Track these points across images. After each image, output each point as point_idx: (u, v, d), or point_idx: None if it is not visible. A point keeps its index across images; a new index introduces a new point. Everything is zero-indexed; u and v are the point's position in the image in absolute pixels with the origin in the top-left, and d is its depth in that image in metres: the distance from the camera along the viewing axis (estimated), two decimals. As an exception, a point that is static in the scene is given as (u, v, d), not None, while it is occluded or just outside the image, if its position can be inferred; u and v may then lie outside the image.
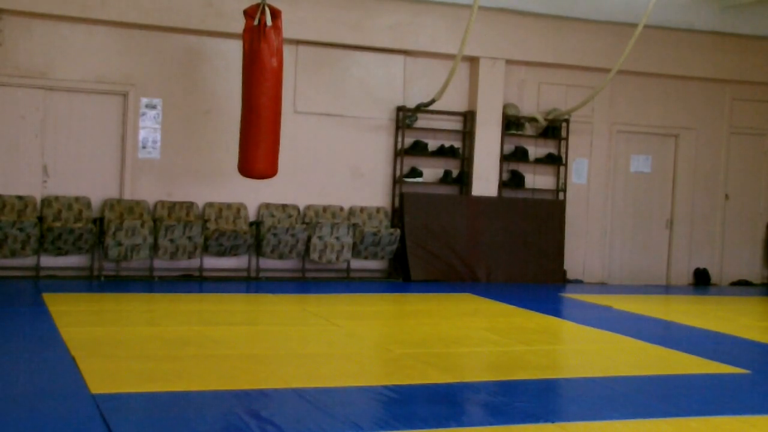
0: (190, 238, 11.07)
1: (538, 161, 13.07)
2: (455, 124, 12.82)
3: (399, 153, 12.44)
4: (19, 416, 4.97)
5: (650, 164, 13.87)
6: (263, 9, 10.08)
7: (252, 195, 11.78)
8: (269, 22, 10.11)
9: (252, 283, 11.54)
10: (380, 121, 12.41)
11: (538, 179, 13.16)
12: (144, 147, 11.40)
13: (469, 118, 12.75)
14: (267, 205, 11.88)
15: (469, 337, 8.29)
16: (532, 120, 12.93)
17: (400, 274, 12.34)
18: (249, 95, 10.24)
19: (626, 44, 11.42)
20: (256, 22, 10.07)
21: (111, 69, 11.26)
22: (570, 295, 11.86)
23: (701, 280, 13.99)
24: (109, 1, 10.99)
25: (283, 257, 11.65)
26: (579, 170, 13.40)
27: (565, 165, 13.16)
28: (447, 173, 12.61)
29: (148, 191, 11.42)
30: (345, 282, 12.04)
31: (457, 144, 12.75)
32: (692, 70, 13.66)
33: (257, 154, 10.29)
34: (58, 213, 10.96)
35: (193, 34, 11.53)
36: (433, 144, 12.61)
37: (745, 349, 8.45)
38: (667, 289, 13.63)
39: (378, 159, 12.43)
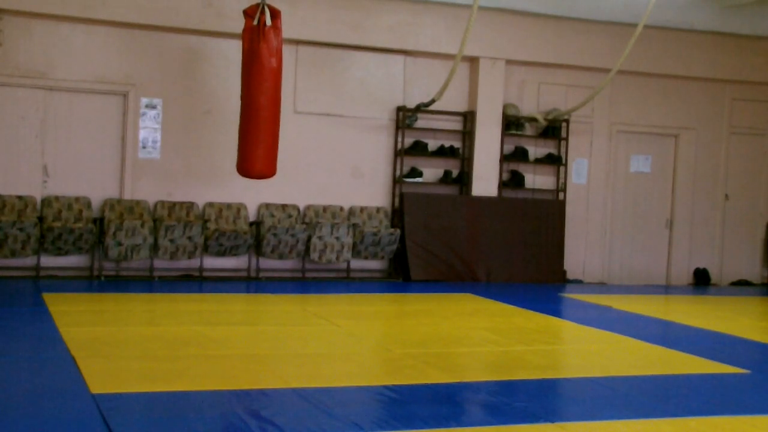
0: (190, 238, 11.07)
1: (538, 161, 13.07)
2: (455, 124, 12.82)
3: (399, 153, 12.44)
4: (19, 416, 4.97)
5: (650, 164, 13.87)
6: (263, 9, 10.08)
7: (252, 195, 11.78)
8: (269, 22, 10.12)
9: (252, 283, 11.54)
10: (380, 121, 12.41)
11: (538, 179, 13.16)
12: (144, 147, 11.40)
13: (469, 118, 12.75)
14: (267, 205, 11.88)
15: (469, 337, 8.29)
16: (532, 120, 12.93)
17: (400, 274, 12.34)
18: (248, 95, 10.25)
19: (626, 44, 11.42)
20: (255, 22, 10.08)
21: (111, 69, 11.26)
22: (570, 295, 11.86)
23: (701, 280, 13.99)
24: (109, 1, 10.99)
25: (283, 257, 11.65)
26: (579, 170, 13.40)
27: (565, 165, 13.16)
28: (447, 173, 12.61)
29: (148, 191, 11.42)
30: (345, 282, 12.04)
31: (457, 144, 12.75)
32: (692, 70, 13.67)
33: (256, 154, 10.30)
34: (58, 213, 10.96)
35: (193, 34, 11.53)
36: (433, 144, 12.61)
37: (745, 349, 8.45)
38: (667, 289, 13.63)
39: (378, 159, 12.43)
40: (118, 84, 11.30)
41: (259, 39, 10.04)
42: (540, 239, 12.90)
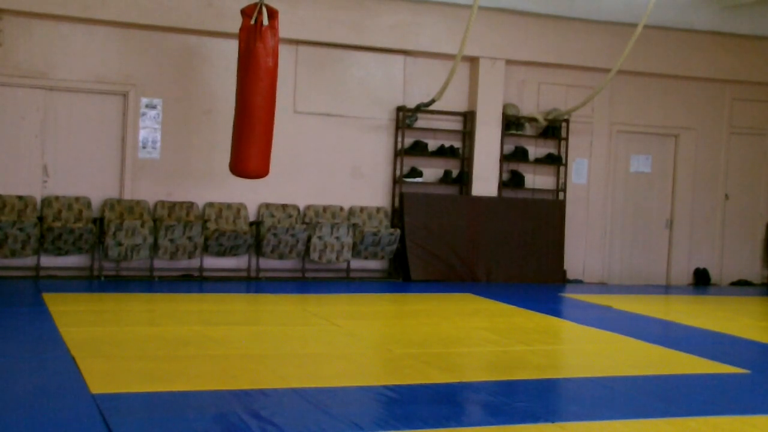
0: (190, 238, 11.07)
1: (538, 161, 13.07)
2: (455, 124, 12.82)
3: (399, 153, 12.44)
4: (19, 416, 4.97)
5: (650, 164, 13.87)
6: (260, 8, 10.06)
7: (252, 195, 11.78)
8: (266, 22, 10.09)
9: (252, 283, 11.54)
10: (380, 121, 12.41)
11: (538, 179, 13.16)
12: (144, 147, 11.40)
13: (469, 118, 12.75)
14: (267, 205, 11.88)
15: (469, 337, 8.29)
16: (532, 120, 12.94)
17: (400, 274, 12.34)
18: (243, 94, 10.20)
19: (626, 44, 11.42)
20: (252, 22, 10.05)
21: (111, 69, 11.26)
22: (570, 295, 11.86)
23: (701, 280, 13.99)
24: (109, 1, 10.99)
25: (283, 257, 11.65)
26: (579, 170, 13.40)
27: (565, 165, 13.16)
28: (447, 173, 12.61)
29: (148, 191, 11.42)
30: (345, 282, 12.04)
31: (457, 144, 12.75)
32: (692, 70, 13.67)
33: (250, 153, 10.27)
34: (58, 213, 10.96)
35: (193, 34, 11.53)
36: (433, 144, 12.61)
37: (745, 349, 8.45)
38: (667, 289, 13.63)
39: (378, 159, 12.43)
40: (118, 84, 11.30)
41: (255, 38, 10.02)
42: (540, 239, 12.90)
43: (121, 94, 11.35)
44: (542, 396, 6.10)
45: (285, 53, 11.33)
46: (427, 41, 12.37)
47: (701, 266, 14.06)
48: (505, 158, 12.89)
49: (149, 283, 11.01)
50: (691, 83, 13.86)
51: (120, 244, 10.79)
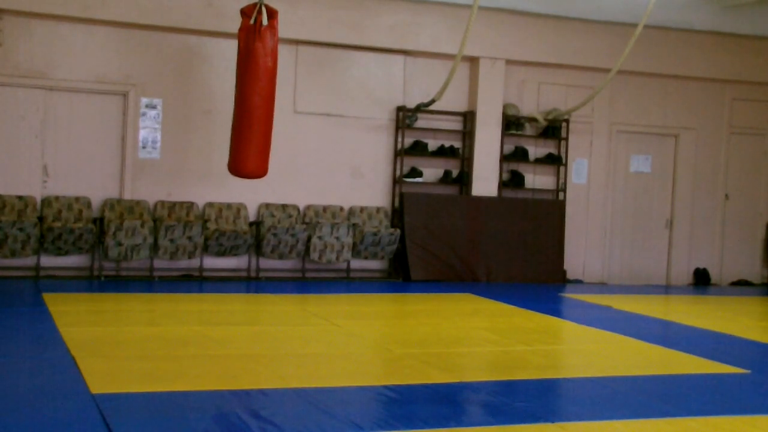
0: (190, 238, 11.07)
1: (538, 161, 13.07)
2: (455, 124, 12.82)
3: (399, 153, 12.44)
4: (19, 416, 4.97)
5: (650, 164, 13.87)
6: (260, 8, 10.06)
7: (252, 195, 11.78)
8: (265, 22, 10.09)
9: (252, 283, 11.54)
10: (380, 121, 12.41)
11: (538, 179, 13.16)
12: (144, 147, 11.40)
13: (469, 118, 12.75)
14: (267, 205, 11.88)
15: (469, 337, 8.29)
16: (532, 120, 12.93)
17: (400, 274, 12.34)
18: (242, 94, 10.20)
19: (626, 44, 11.42)
20: (252, 22, 10.05)
21: (111, 69, 11.26)
22: (570, 295, 11.86)
23: (701, 280, 13.99)
24: (109, 1, 10.99)
25: (283, 257, 11.65)
26: (579, 170, 13.40)
27: (565, 165, 13.16)
28: (447, 173, 12.61)
29: (148, 191, 11.42)
30: (345, 282, 12.04)
31: (457, 144, 12.75)
32: (692, 70, 13.67)
33: (248, 153, 10.26)
34: (58, 213, 10.96)
35: (193, 34, 11.53)
36: (433, 144, 12.61)
37: (745, 349, 8.45)
38: (667, 289, 13.63)
39: (378, 159, 12.43)
40: (118, 84, 11.30)
41: (254, 38, 10.01)
42: (540, 239, 12.90)
43: (121, 94, 11.35)
44: (542, 396, 6.10)
45: (285, 53, 11.33)
46: (427, 41, 12.37)
47: (701, 266, 14.06)
48: (505, 158, 12.89)
49: (149, 283, 11.01)
50: (691, 83, 13.86)
51: (120, 244, 10.79)
